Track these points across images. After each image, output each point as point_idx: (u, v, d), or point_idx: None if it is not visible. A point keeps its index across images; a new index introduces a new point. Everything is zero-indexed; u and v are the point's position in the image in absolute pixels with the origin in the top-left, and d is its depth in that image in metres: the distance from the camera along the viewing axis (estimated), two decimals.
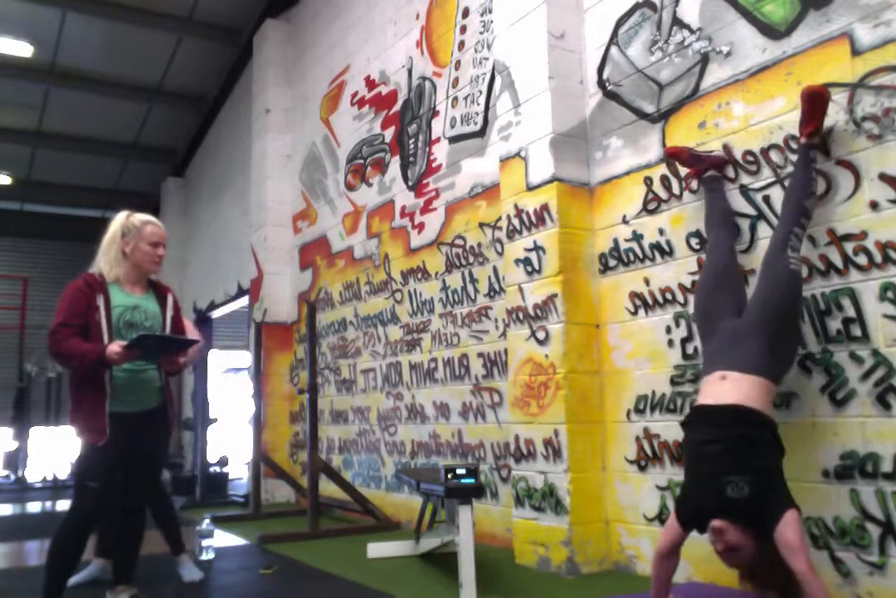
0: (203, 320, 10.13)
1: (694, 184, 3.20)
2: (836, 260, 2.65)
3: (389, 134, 5.70)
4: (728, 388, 2.40)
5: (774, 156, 2.88)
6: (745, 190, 2.99)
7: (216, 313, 9.98)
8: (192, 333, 3.36)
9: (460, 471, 3.05)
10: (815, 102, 2.61)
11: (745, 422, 2.33)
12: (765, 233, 2.90)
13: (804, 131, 2.65)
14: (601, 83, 3.72)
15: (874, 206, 2.55)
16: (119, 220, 2.85)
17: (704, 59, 3.20)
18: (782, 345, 2.51)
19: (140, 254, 2.81)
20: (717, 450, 2.31)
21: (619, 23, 3.64)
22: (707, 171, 3.07)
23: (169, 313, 2.91)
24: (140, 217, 2.87)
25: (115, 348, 2.55)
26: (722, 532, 2.23)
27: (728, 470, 2.25)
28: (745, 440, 2.30)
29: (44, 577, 2.63)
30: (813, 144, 2.65)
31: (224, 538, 4.71)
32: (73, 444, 3.29)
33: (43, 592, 2.63)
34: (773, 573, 2.22)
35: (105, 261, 2.79)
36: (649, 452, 3.29)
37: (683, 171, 3.25)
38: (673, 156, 3.15)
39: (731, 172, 3.05)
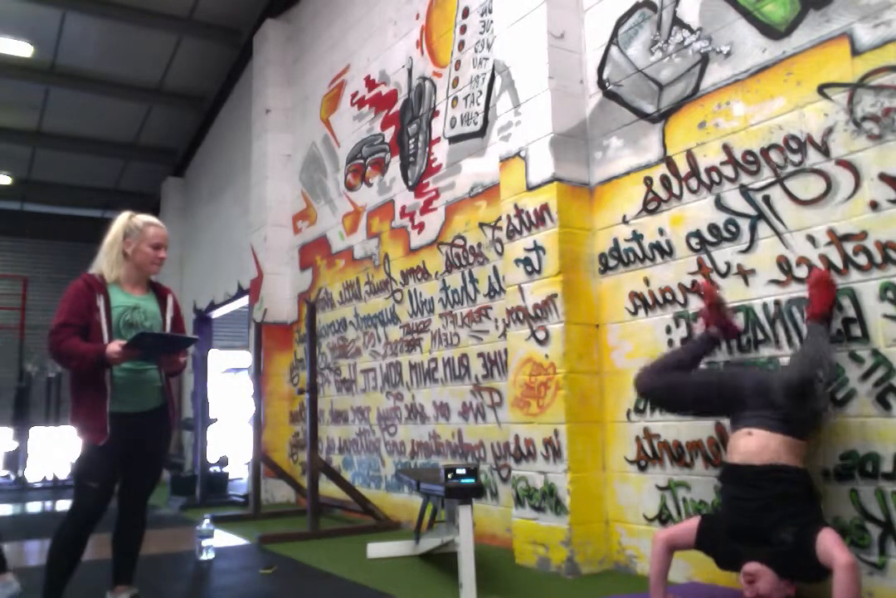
0: (203, 320, 10.13)
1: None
2: (836, 260, 2.65)
3: (389, 134, 5.70)
4: (755, 444, 2.43)
5: (774, 156, 2.88)
6: (745, 190, 2.99)
7: (216, 313, 9.98)
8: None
9: (460, 471, 3.04)
10: (820, 288, 2.58)
11: (780, 480, 2.35)
12: (765, 233, 2.90)
13: (808, 313, 2.62)
14: (601, 83, 3.72)
15: (874, 206, 2.55)
16: (121, 220, 2.84)
17: (704, 59, 3.20)
18: (808, 410, 2.47)
19: (141, 255, 2.80)
20: (756, 507, 2.34)
21: (619, 23, 3.64)
22: (716, 325, 2.95)
23: (169, 314, 2.90)
24: (142, 218, 2.85)
25: (114, 347, 2.55)
26: (755, 578, 2.24)
27: (770, 525, 2.28)
28: (783, 498, 2.32)
29: (43, 577, 2.63)
30: (819, 322, 2.59)
31: (224, 538, 4.71)
32: (73, 444, 3.28)
33: (42, 592, 2.62)
34: None
35: (106, 262, 2.79)
36: (649, 452, 3.29)
37: (684, 169, 3.25)
38: (707, 293, 3.00)
39: (731, 172, 3.06)
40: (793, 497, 2.33)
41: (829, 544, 2.15)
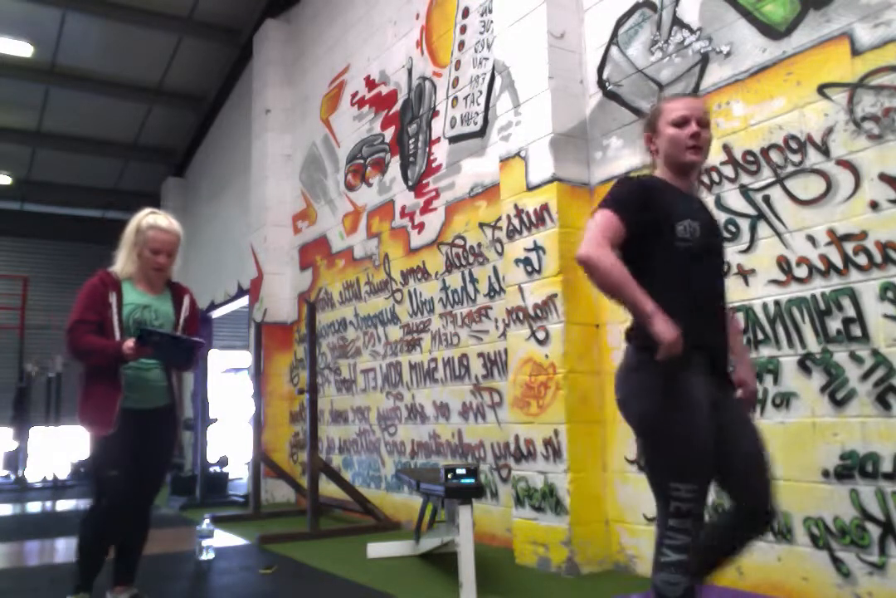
0: (203, 320, 10.14)
1: None
2: (836, 260, 2.65)
3: (389, 134, 5.70)
4: None
5: (774, 156, 2.88)
6: (745, 190, 2.99)
7: (216, 313, 9.98)
8: None
9: (460, 471, 3.05)
10: None
11: None
12: (765, 233, 2.90)
13: None
14: (601, 83, 3.72)
15: (874, 206, 2.55)
16: (137, 218, 2.86)
17: (704, 59, 3.20)
18: None
19: (143, 259, 2.82)
20: None
21: (619, 23, 3.64)
22: None
23: (183, 314, 2.91)
24: (149, 221, 2.85)
25: (129, 343, 2.57)
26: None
27: None
28: None
29: (76, 572, 2.63)
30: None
31: (224, 538, 4.71)
32: (79, 442, 3.28)
33: (73, 589, 2.64)
34: None
35: (120, 258, 2.83)
36: None
37: None
38: None
39: (731, 172, 3.05)
40: None
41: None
